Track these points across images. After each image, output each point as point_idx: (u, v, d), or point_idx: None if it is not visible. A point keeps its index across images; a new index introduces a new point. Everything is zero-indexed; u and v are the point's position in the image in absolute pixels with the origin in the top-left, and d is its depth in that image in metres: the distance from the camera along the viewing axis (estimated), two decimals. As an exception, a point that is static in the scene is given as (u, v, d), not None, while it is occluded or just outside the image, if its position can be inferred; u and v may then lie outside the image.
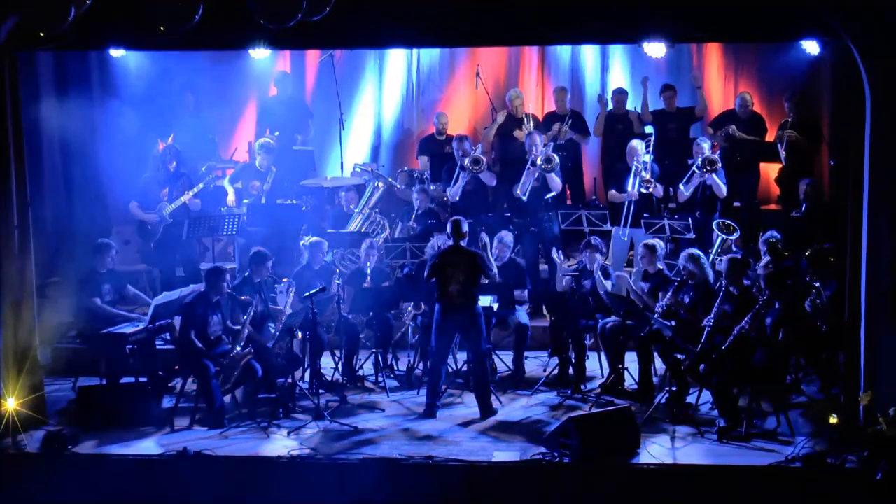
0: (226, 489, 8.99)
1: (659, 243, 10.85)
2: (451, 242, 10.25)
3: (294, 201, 12.98)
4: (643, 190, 12.08)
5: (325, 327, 10.81)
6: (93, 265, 10.97)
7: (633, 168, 12.17)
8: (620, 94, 13.58)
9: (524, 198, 12.35)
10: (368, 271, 11.12)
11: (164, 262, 12.48)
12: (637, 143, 12.34)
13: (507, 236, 11.35)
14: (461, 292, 10.06)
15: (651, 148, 12.47)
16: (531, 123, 13.21)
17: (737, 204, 12.80)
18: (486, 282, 10.36)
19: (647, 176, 12.09)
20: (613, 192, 12.50)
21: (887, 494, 8.35)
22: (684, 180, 12.21)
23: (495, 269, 10.44)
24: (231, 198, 12.85)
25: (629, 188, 12.24)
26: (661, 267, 10.78)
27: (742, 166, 12.87)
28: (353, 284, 11.18)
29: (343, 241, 12.24)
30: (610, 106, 13.59)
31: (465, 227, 10.23)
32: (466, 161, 12.48)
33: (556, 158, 12.33)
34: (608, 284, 10.70)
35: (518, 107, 13.38)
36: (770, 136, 13.16)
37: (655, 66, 14.10)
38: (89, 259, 11.06)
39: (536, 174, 12.31)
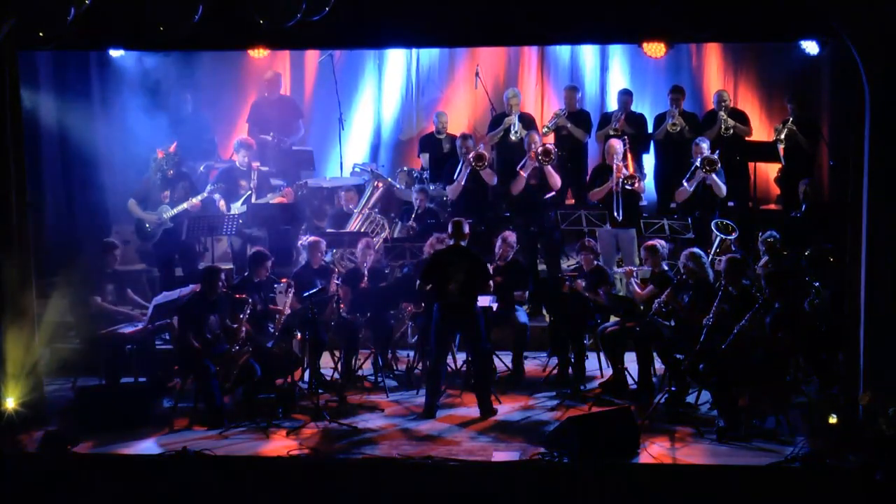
0: (226, 489, 8.99)
1: (660, 243, 10.84)
2: (450, 242, 10.26)
3: (281, 194, 12.91)
4: (627, 187, 12.06)
5: (324, 327, 10.80)
6: (99, 265, 10.96)
7: (614, 166, 12.14)
8: (626, 95, 13.42)
9: (522, 185, 12.27)
10: (365, 271, 11.12)
11: (163, 263, 12.47)
12: (615, 142, 12.32)
13: (511, 236, 11.33)
14: (460, 291, 10.06)
15: (628, 146, 12.39)
16: (516, 118, 13.20)
17: (731, 204, 12.78)
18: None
19: (629, 172, 12.07)
20: (595, 190, 12.46)
21: (887, 494, 8.36)
22: (686, 177, 12.20)
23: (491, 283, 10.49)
24: (222, 204, 12.73)
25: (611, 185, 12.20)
26: (664, 267, 10.78)
27: (736, 166, 12.84)
28: (349, 284, 11.17)
29: (342, 241, 12.23)
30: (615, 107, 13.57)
31: (467, 229, 10.23)
32: (470, 156, 12.44)
33: (554, 151, 12.31)
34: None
35: (514, 105, 13.35)
36: (754, 131, 13.16)
37: (655, 66, 14.09)
38: (97, 259, 11.04)
39: (533, 167, 12.28)
